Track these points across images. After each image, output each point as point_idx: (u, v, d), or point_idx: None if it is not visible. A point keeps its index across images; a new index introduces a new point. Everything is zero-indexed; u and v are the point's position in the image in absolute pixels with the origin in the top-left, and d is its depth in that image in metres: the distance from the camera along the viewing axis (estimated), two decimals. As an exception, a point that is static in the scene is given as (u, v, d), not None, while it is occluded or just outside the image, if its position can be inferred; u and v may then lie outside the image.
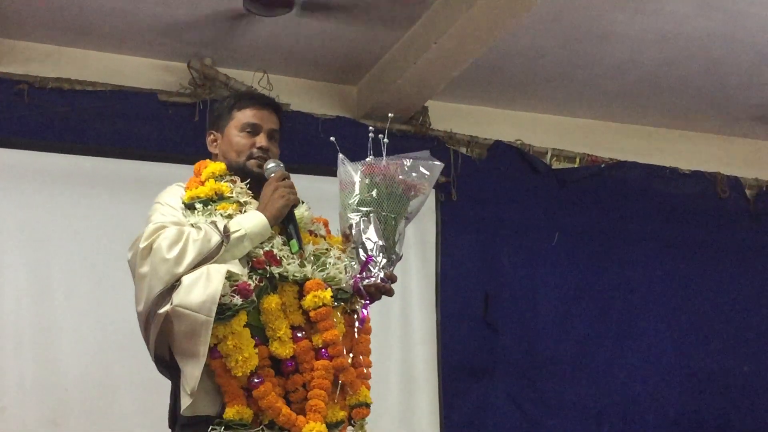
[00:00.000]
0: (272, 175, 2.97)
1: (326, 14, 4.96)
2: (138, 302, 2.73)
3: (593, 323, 5.97)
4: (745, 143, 6.71)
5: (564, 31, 5.15)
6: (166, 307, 2.63)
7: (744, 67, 5.56)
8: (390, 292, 2.93)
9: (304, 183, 5.38)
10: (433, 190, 5.58)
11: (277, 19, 4.91)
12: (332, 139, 3.10)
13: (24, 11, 4.90)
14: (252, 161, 3.03)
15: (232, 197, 2.92)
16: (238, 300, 2.67)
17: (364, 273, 2.89)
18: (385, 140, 3.04)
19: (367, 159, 3.03)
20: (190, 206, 2.89)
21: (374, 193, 2.95)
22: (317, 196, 5.41)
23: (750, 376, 6.20)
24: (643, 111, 6.25)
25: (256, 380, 2.69)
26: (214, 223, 2.77)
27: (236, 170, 3.03)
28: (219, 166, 3.01)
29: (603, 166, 6.27)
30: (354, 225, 2.95)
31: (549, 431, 5.70)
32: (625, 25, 5.09)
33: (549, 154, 6.19)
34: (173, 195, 2.96)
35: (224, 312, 2.64)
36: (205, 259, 2.68)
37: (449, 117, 5.93)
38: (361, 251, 2.91)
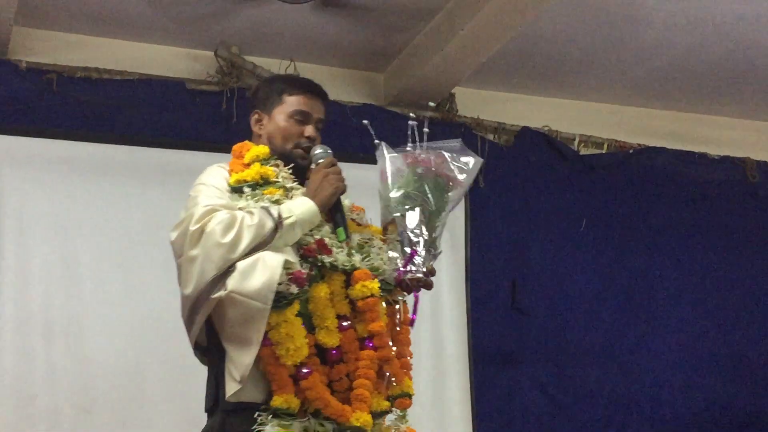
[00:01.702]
0: (320, 161, 2.95)
1: (352, 1, 4.95)
2: (185, 285, 2.69)
3: (621, 309, 5.95)
4: (775, 128, 6.66)
5: (591, 15, 5.12)
6: (221, 293, 2.61)
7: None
8: (430, 286, 2.92)
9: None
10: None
11: (303, 7, 4.91)
12: (365, 122, 3.10)
13: (52, 1, 4.92)
14: (298, 150, 3.00)
15: (278, 182, 2.88)
16: (294, 288, 2.65)
17: (409, 266, 2.87)
18: (426, 129, 3.01)
19: (407, 148, 2.99)
20: (237, 189, 2.85)
21: (420, 185, 2.91)
22: (348, 182, 5.45)
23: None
24: (671, 96, 6.20)
25: (304, 370, 2.67)
26: (266, 208, 2.73)
27: (279, 155, 2.99)
28: (263, 150, 2.96)
29: (631, 151, 6.24)
30: (399, 216, 2.91)
31: (577, 418, 5.68)
32: (653, 9, 5.06)
33: (577, 140, 6.16)
34: (217, 176, 2.92)
35: (280, 300, 2.62)
36: (259, 245, 2.66)
37: (476, 103, 5.92)
38: (405, 243, 2.89)
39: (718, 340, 6.07)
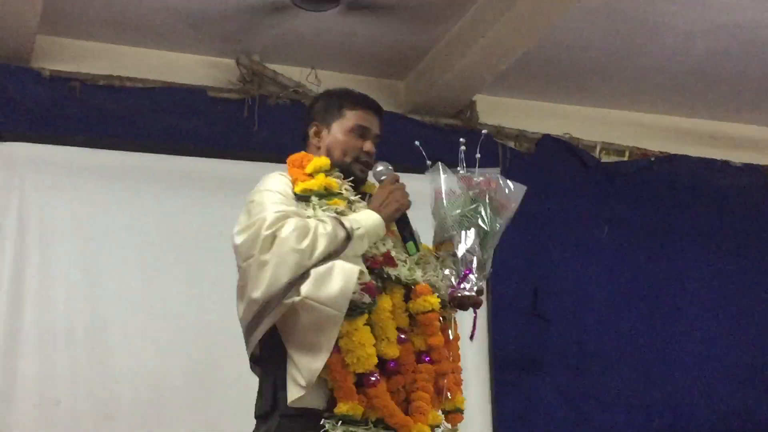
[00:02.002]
0: (383, 177, 3.03)
1: (373, 9, 4.97)
2: (254, 288, 2.70)
3: (643, 317, 5.93)
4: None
5: (612, 22, 5.12)
6: (294, 298, 2.64)
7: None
8: (479, 305, 2.99)
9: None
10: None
11: (324, 15, 4.93)
12: (417, 143, 3.17)
13: (75, 9, 4.96)
14: (357, 164, 3.06)
15: (341, 194, 2.94)
16: (366, 298, 2.72)
17: (463, 284, 2.93)
18: (477, 155, 3.07)
19: (461, 171, 3.07)
20: (303, 198, 2.89)
21: (476, 207, 2.98)
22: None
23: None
24: (693, 103, 6.19)
25: (372, 378, 2.71)
26: (337, 218, 2.79)
27: (338, 168, 3.03)
28: (325, 161, 2.99)
29: (653, 159, 6.22)
30: (455, 236, 2.98)
31: (598, 425, 5.67)
32: (675, 16, 5.05)
33: (598, 148, 6.15)
34: (281, 183, 2.94)
35: (353, 309, 2.68)
36: (332, 254, 2.70)
37: (497, 111, 5.92)
38: (459, 262, 2.95)
39: (740, 349, 6.04)
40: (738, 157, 6.40)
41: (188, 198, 5.03)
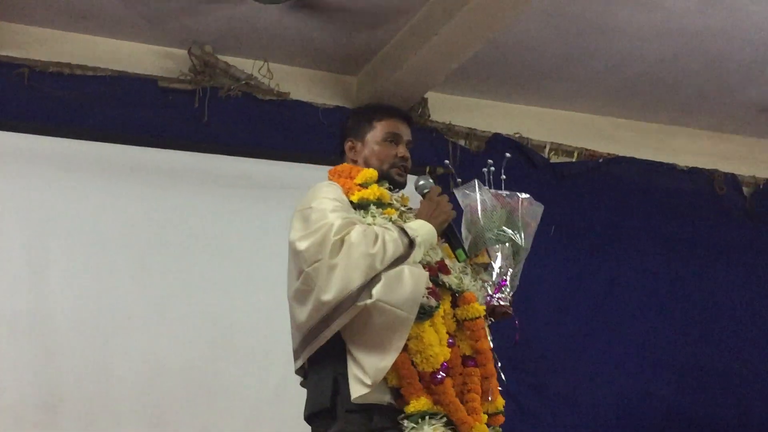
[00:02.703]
0: (426, 190, 3.17)
1: (327, 3, 4.96)
2: (323, 292, 2.80)
3: (588, 317, 5.98)
4: (744, 140, 6.71)
5: (564, 24, 5.16)
6: (367, 301, 2.76)
7: (744, 64, 5.57)
8: (509, 316, 3.21)
9: (302, 171, 5.47)
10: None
11: (278, 7, 4.92)
12: (446, 162, 3.46)
13: (25, -5, 4.91)
14: (394, 170, 3.23)
15: (393, 204, 3.11)
16: (432, 302, 2.88)
17: (497, 294, 3.15)
18: (503, 177, 3.32)
19: (490, 190, 3.28)
20: (361, 206, 3.03)
21: (511, 223, 3.21)
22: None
23: (742, 372, 6.20)
24: (642, 106, 6.25)
25: (438, 376, 2.85)
26: (400, 226, 2.94)
27: (378, 177, 3.19)
28: (373, 173, 3.14)
29: (601, 160, 6.28)
30: (491, 249, 3.18)
31: (544, 423, 5.70)
32: (625, 20, 5.10)
33: (547, 148, 6.20)
34: (335, 192, 3.06)
35: (421, 312, 2.83)
36: (398, 259, 2.85)
37: (448, 109, 5.94)
38: (494, 274, 3.17)
39: (681, 349, 6.11)
40: (684, 160, 6.48)
41: (137, 188, 5.01)
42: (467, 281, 3.09)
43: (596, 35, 5.27)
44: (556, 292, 5.93)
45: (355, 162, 3.26)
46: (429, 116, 5.84)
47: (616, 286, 6.08)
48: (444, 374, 2.86)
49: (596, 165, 6.27)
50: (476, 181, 3.25)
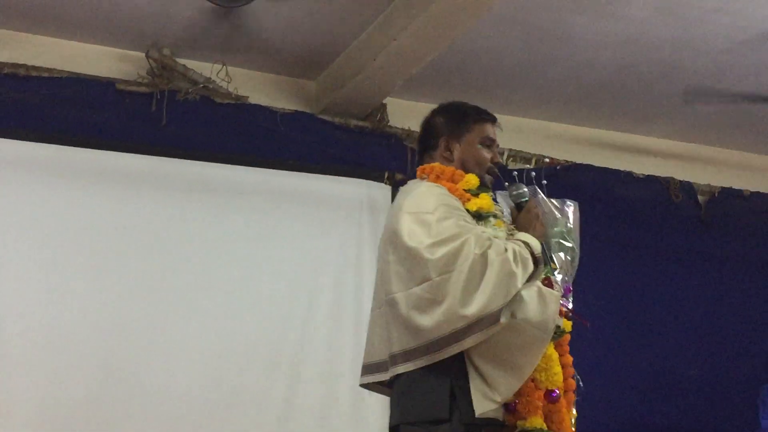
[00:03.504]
0: (523, 200, 3.16)
1: (287, 8, 4.95)
2: (463, 305, 2.78)
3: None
4: (699, 149, 6.77)
5: (523, 32, 5.18)
6: (507, 319, 2.78)
7: (700, 74, 5.62)
8: (571, 320, 3.22)
9: (260, 176, 5.45)
10: (390, 187, 5.62)
11: (237, 11, 4.90)
12: (533, 174, 3.31)
13: (-19, -5, 4.86)
14: (488, 175, 3.21)
15: (498, 215, 3.11)
16: (560, 321, 2.97)
17: (563, 299, 3.17)
18: (544, 181, 3.30)
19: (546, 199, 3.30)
20: (480, 217, 3.03)
21: (570, 231, 3.29)
22: (274, 190, 5.45)
23: (697, 379, 6.25)
24: (599, 114, 6.29)
25: (554, 394, 2.93)
26: (526, 243, 2.94)
27: None
28: (475, 180, 3.13)
29: (558, 167, 6.30)
30: (556, 257, 3.22)
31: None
32: (584, 28, 5.13)
33: (505, 155, 6.20)
34: (448, 196, 3.05)
35: (554, 332, 2.90)
36: (530, 277, 2.89)
37: (407, 114, 5.92)
38: (560, 281, 3.20)
39: (637, 356, 6.14)
40: (641, 168, 6.52)
41: (93, 191, 4.97)
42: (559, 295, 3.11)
43: (555, 43, 5.30)
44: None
45: (448, 161, 3.22)
46: (388, 122, 5.85)
47: (572, 293, 6.09)
48: (558, 392, 2.92)
49: (553, 172, 6.28)
50: (536, 188, 3.25)
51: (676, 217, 6.53)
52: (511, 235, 3.03)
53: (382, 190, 5.62)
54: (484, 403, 2.79)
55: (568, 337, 3.09)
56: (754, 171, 6.94)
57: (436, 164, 3.20)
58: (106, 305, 4.84)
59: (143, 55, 5.30)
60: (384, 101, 5.78)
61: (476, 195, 3.08)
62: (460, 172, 3.15)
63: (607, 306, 6.15)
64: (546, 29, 5.14)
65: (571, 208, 3.33)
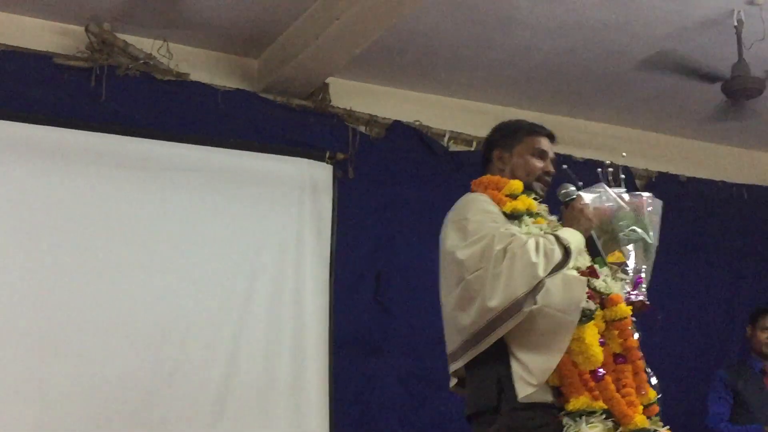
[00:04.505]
0: (569, 198, 3.31)
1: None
2: (489, 298, 3.00)
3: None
4: (637, 133, 6.85)
5: (465, 14, 5.20)
6: (532, 306, 2.97)
7: (640, 58, 5.68)
8: (647, 308, 3.37)
9: (199, 153, 5.42)
10: (331, 167, 5.62)
11: (179, -13, 4.86)
12: (564, 167, 3.46)
13: None
14: (538, 183, 3.41)
15: (540, 213, 3.28)
16: (591, 305, 3.06)
17: (635, 291, 3.33)
18: (622, 176, 3.48)
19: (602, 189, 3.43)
20: (514, 217, 3.21)
21: (642, 223, 3.36)
22: (214, 168, 5.42)
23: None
24: (540, 97, 6.34)
25: (599, 374, 3.03)
26: (556, 236, 3.10)
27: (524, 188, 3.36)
28: (519, 185, 3.31)
29: (500, 151, 6.33)
30: (626, 249, 3.37)
31: (435, 410, 5.75)
32: (526, 12, 5.16)
33: (447, 137, 6.23)
34: (487, 203, 3.25)
35: (583, 315, 3.02)
36: (556, 267, 3.04)
37: (349, 94, 5.94)
38: (630, 272, 3.35)
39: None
40: (580, 152, 6.56)
41: (29, 167, 4.89)
42: (612, 284, 3.23)
43: (497, 26, 5.33)
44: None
45: (501, 171, 3.43)
46: (330, 102, 5.83)
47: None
48: (603, 371, 3.03)
49: (495, 155, 6.32)
50: (603, 184, 3.41)
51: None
52: (554, 231, 3.18)
53: (324, 169, 5.62)
54: (524, 388, 2.97)
55: (629, 321, 3.19)
56: (691, 156, 7.04)
57: (486, 176, 3.43)
58: (44, 283, 4.78)
59: (83, 29, 5.22)
60: (326, 81, 5.77)
61: (516, 198, 3.27)
62: (505, 179, 3.36)
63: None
64: (489, 12, 5.17)
65: (645, 200, 3.43)
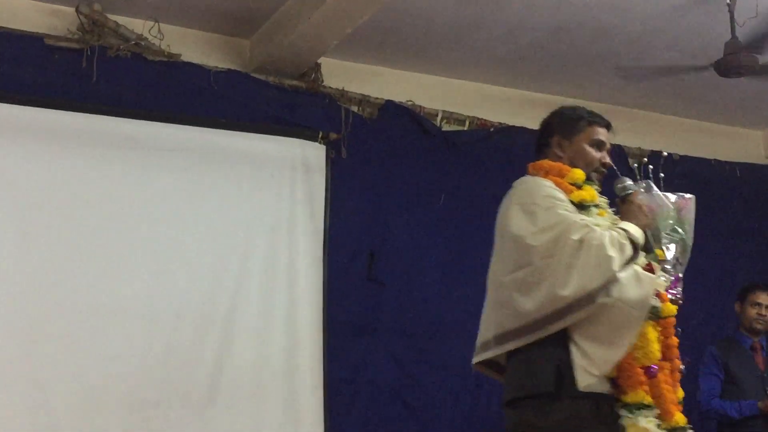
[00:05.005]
0: (628, 192, 3.35)
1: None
2: (561, 287, 3.02)
3: (476, 285, 5.99)
4: (630, 112, 6.84)
5: (458, -7, 5.19)
6: (606, 299, 3.01)
7: (632, 36, 5.68)
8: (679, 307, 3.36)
9: (193, 134, 5.40)
10: (324, 147, 5.61)
11: (170, -33, 4.84)
12: (650, 167, 3.49)
13: None
14: (595, 173, 3.41)
15: (600, 205, 3.31)
16: (657, 302, 3.16)
17: (674, 288, 3.35)
18: (661, 174, 3.50)
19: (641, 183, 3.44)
20: (582, 207, 3.23)
21: (682, 222, 3.42)
22: (207, 148, 5.41)
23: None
24: (532, 76, 6.33)
25: (653, 369, 3.10)
26: (626, 230, 3.14)
27: None
28: (582, 174, 3.33)
29: (492, 130, 6.34)
30: (666, 247, 3.37)
31: (428, 388, 5.77)
32: (517, -10, 5.15)
33: (439, 116, 6.23)
34: (554, 189, 3.24)
35: (650, 312, 3.11)
36: (628, 261, 3.08)
37: (342, 75, 5.93)
38: (671, 270, 3.36)
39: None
40: (572, 131, 6.57)
41: (20, 148, 4.88)
42: (663, 281, 3.27)
43: (488, 4, 5.32)
44: (444, 259, 5.99)
45: (560, 158, 3.41)
46: (322, 82, 5.82)
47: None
48: (657, 368, 3.09)
49: (487, 134, 6.32)
50: (650, 182, 3.41)
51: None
52: (615, 224, 3.21)
53: (317, 149, 5.61)
54: (585, 377, 3.02)
55: (672, 320, 3.24)
56: (684, 135, 7.04)
57: (546, 161, 3.41)
58: (34, 263, 4.78)
59: (73, 10, 5.20)
60: (318, 61, 5.75)
61: (580, 188, 3.28)
62: (567, 167, 3.36)
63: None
64: (481, -9, 5.16)
65: (688, 201, 3.47)
